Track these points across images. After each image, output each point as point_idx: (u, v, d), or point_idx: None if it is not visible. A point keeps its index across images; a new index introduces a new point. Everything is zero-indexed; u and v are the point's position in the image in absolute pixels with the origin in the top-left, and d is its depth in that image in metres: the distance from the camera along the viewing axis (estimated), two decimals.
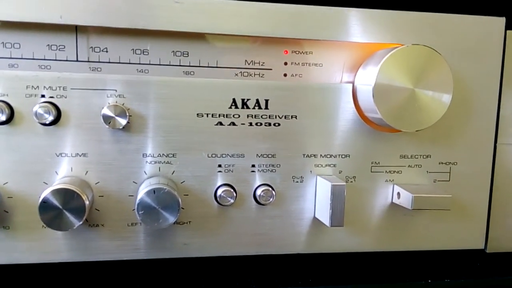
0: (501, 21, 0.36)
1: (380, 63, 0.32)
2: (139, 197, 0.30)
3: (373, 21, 0.35)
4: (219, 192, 0.33)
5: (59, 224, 0.29)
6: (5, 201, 0.31)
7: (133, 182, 0.33)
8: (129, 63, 0.33)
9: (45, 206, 0.29)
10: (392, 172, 0.36)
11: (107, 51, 0.33)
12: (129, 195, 0.33)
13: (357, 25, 0.35)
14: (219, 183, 0.34)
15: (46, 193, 0.29)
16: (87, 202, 0.29)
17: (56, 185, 0.29)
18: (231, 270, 0.36)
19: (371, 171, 0.36)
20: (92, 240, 0.33)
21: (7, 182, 0.31)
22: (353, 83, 0.35)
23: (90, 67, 0.33)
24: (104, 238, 0.33)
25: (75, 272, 0.34)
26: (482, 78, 0.36)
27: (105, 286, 0.33)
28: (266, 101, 0.34)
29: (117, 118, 0.31)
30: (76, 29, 0.32)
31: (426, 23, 0.35)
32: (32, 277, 0.34)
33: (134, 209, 0.32)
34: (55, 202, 0.29)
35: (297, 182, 0.35)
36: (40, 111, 0.31)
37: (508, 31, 0.36)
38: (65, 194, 0.29)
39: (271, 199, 0.34)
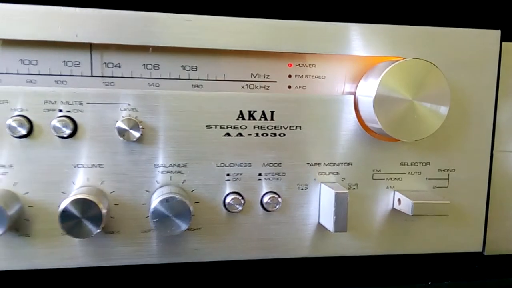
0: (496, 33, 0.37)
1: (381, 75, 0.33)
2: (152, 206, 0.32)
3: (373, 35, 0.36)
4: (228, 199, 0.35)
5: (78, 232, 0.31)
6: (26, 210, 0.33)
7: (146, 191, 0.34)
8: (141, 78, 0.35)
9: (65, 215, 0.30)
10: (393, 179, 0.38)
11: (120, 67, 0.35)
12: (143, 203, 0.35)
13: (358, 39, 0.36)
14: (227, 191, 0.36)
15: (66, 203, 0.30)
16: (104, 211, 0.31)
17: (75, 195, 0.31)
18: (240, 274, 0.38)
19: (373, 178, 0.37)
20: (108, 246, 0.34)
21: (27, 192, 0.33)
22: (354, 94, 0.37)
23: (104, 82, 0.35)
24: (119, 244, 0.34)
25: (92, 277, 0.36)
26: (479, 89, 0.38)
27: None
28: (272, 112, 0.36)
29: (130, 131, 0.33)
30: (90, 46, 0.34)
31: (424, 37, 0.37)
32: (52, 282, 0.35)
33: (147, 217, 0.34)
34: (75, 212, 0.30)
35: (302, 189, 0.37)
36: (58, 124, 0.32)
37: (503, 43, 0.38)
38: (83, 204, 0.31)
39: (277, 206, 0.36)
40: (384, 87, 0.33)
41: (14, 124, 0.32)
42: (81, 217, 0.31)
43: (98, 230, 0.31)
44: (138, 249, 0.35)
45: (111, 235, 0.34)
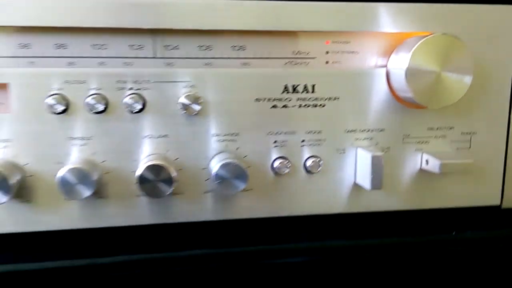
0: None
1: (412, 49, 0.37)
2: (215, 170, 0.37)
3: (401, 13, 0.40)
4: (276, 163, 0.40)
5: (154, 193, 0.36)
6: (103, 176, 0.38)
7: (205, 157, 0.39)
8: (197, 58, 0.39)
9: (142, 179, 0.35)
10: (421, 142, 0.42)
11: (178, 48, 0.39)
12: (202, 168, 0.39)
13: (387, 17, 0.40)
14: (275, 156, 0.40)
15: (142, 169, 0.35)
16: (174, 174, 0.36)
17: (149, 162, 0.36)
18: (286, 227, 0.43)
19: (403, 142, 0.42)
20: (174, 206, 0.40)
21: (105, 160, 0.38)
22: (386, 67, 0.41)
23: (165, 63, 0.39)
24: (183, 203, 0.40)
25: (159, 232, 0.41)
26: (499, 60, 0.42)
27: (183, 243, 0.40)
28: (313, 85, 0.40)
29: (192, 105, 0.38)
30: (152, 31, 0.38)
31: (449, 13, 0.40)
32: (124, 238, 0.41)
33: (206, 180, 0.39)
34: (150, 176, 0.36)
35: (340, 153, 0.41)
36: (129, 101, 0.37)
37: None
38: (157, 169, 0.36)
39: (319, 168, 0.41)
40: (415, 60, 0.37)
41: (92, 101, 0.37)
42: (156, 180, 0.36)
43: (170, 191, 0.36)
44: (199, 207, 0.40)
45: (176, 196, 0.39)
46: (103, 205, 0.39)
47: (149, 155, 0.38)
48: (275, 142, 0.40)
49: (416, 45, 0.37)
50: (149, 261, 0.38)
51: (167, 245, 0.40)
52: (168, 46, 0.39)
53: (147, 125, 0.38)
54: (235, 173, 0.37)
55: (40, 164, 0.37)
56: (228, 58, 0.40)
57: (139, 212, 0.39)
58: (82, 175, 0.35)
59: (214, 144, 0.39)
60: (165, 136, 0.39)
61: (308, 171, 0.41)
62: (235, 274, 0.41)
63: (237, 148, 0.40)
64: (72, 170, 0.35)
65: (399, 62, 0.39)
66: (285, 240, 0.42)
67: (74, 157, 0.37)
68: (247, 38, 0.40)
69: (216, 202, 0.40)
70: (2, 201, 0.34)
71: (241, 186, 0.37)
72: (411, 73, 0.38)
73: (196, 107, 0.38)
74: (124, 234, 0.41)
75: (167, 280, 0.39)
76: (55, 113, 0.37)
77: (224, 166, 0.37)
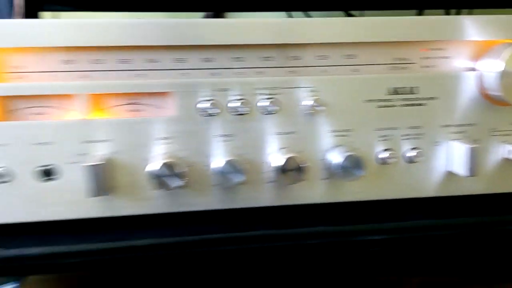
0: None
1: (506, 56, 0.44)
2: (338, 160, 0.44)
3: (486, 24, 0.47)
4: (383, 154, 0.47)
5: (288, 180, 0.44)
6: (242, 167, 0.46)
7: (323, 149, 0.47)
8: (315, 66, 0.47)
9: (281, 169, 0.43)
10: (505, 135, 0.49)
11: (300, 58, 0.46)
12: (319, 159, 0.47)
13: (474, 27, 0.47)
14: (382, 148, 0.47)
15: (283, 160, 0.43)
16: (304, 165, 0.44)
17: (285, 156, 0.44)
18: (389, 207, 0.50)
19: (490, 135, 0.49)
20: (295, 190, 0.47)
21: (243, 153, 0.46)
22: (475, 69, 0.47)
23: (289, 71, 0.47)
24: (304, 189, 0.47)
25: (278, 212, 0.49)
26: None
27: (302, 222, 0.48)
28: (414, 87, 0.47)
29: (316, 107, 0.45)
30: (278, 45, 0.46)
31: None
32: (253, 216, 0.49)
33: (323, 168, 0.47)
34: (287, 166, 0.43)
35: (436, 146, 0.48)
36: (264, 104, 0.45)
37: None
38: (292, 160, 0.43)
39: (419, 159, 0.48)
40: (509, 65, 0.44)
41: (234, 105, 0.44)
42: (292, 170, 0.43)
43: (301, 179, 0.44)
44: (316, 192, 0.47)
45: (300, 183, 0.47)
46: (241, 189, 0.47)
47: (281, 148, 0.46)
48: (381, 136, 0.47)
49: (510, 52, 0.44)
50: (279, 236, 0.46)
51: (289, 223, 0.48)
52: (293, 56, 0.46)
53: (277, 124, 0.46)
54: (355, 163, 0.44)
55: (194, 157, 0.45)
56: (340, 65, 0.47)
57: (268, 196, 0.47)
58: (232, 165, 0.43)
59: (330, 139, 0.47)
60: (292, 133, 0.46)
61: (410, 160, 0.48)
62: (344, 249, 0.49)
63: (349, 142, 0.47)
64: (228, 162, 0.43)
65: (492, 66, 0.45)
66: (385, 219, 0.49)
67: (220, 151, 0.45)
68: (357, 48, 0.47)
69: (331, 187, 0.48)
70: (179, 185, 0.42)
71: (360, 173, 0.45)
72: (505, 76, 0.44)
73: (320, 108, 0.45)
74: (256, 214, 0.48)
75: (290, 252, 0.47)
76: (205, 115, 0.44)
77: (345, 158, 0.44)
